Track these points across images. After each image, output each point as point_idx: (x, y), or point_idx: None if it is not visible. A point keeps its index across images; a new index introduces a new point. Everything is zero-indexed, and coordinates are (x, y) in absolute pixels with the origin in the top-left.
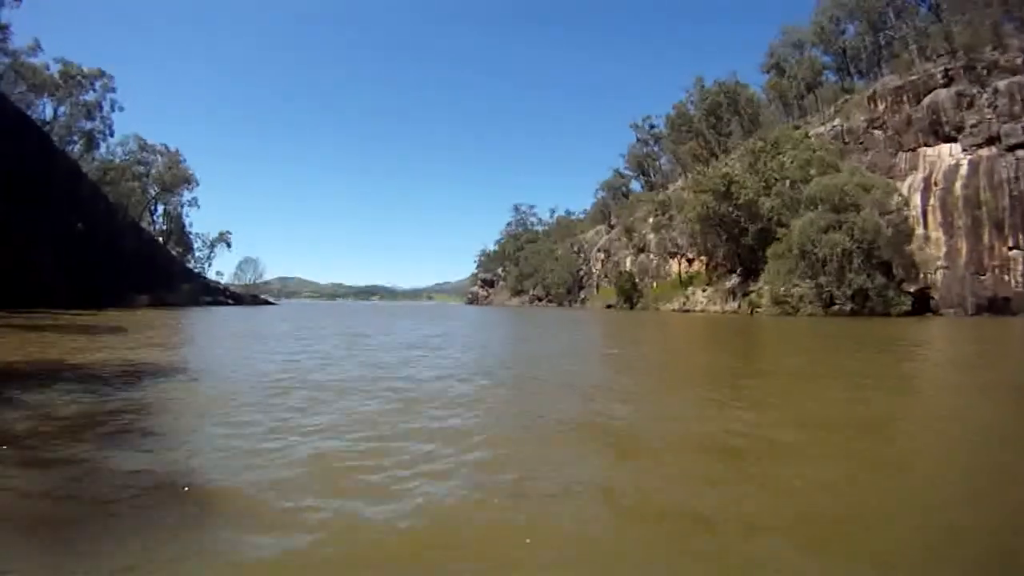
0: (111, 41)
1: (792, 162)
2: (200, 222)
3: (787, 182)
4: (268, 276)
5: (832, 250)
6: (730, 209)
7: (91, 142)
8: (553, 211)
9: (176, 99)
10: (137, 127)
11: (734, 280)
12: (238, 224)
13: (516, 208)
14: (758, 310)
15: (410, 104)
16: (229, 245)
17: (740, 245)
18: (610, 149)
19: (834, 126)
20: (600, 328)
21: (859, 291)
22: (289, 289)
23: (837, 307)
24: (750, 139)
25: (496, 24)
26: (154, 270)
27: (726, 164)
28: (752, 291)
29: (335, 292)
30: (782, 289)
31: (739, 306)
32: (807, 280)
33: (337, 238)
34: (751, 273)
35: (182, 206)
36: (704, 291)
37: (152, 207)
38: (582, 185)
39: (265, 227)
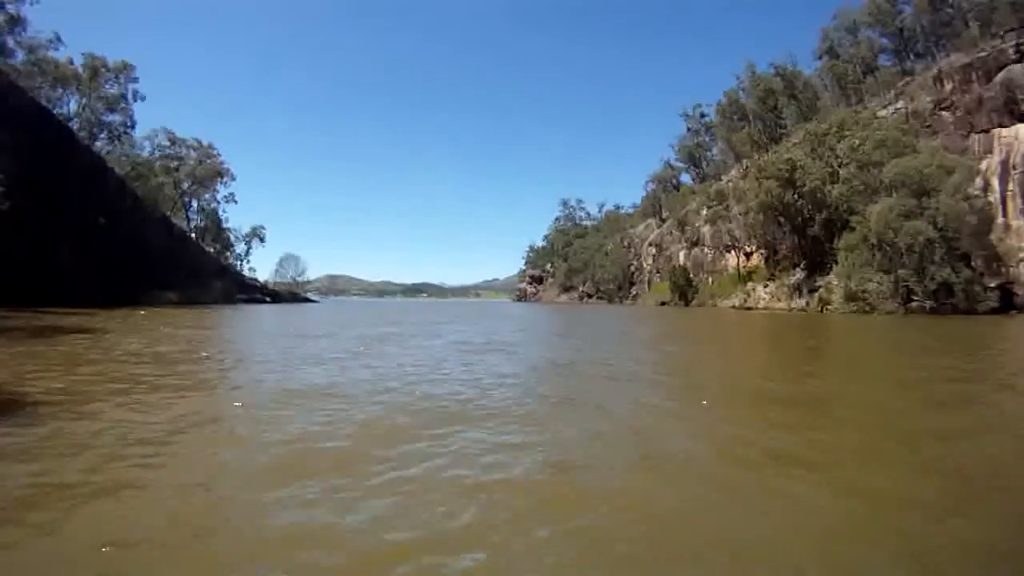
0: (153, 39)
1: (862, 144)
2: (247, 220)
3: (854, 166)
4: (317, 274)
5: (914, 239)
6: (794, 197)
7: (111, 134)
8: (602, 205)
9: (224, 97)
10: (181, 127)
11: (799, 275)
12: (287, 222)
13: (564, 203)
14: (829, 307)
15: (458, 100)
16: (263, 240)
17: (805, 236)
18: (658, 142)
19: (897, 109)
20: (679, 331)
21: (942, 286)
22: (338, 287)
23: (915, 303)
24: (810, 123)
25: (543, 19)
26: (184, 267)
27: (788, 149)
28: (820, 286)
29: (384, 290)
30: (853, 284)
31: (807, 303)
32: (884, 274)
33: (387, 236)
34: (817, 267)
35: (218, 201)
36: (766, 287)
37: (187, 202)
38: (631, 179)
39: (315, 225)
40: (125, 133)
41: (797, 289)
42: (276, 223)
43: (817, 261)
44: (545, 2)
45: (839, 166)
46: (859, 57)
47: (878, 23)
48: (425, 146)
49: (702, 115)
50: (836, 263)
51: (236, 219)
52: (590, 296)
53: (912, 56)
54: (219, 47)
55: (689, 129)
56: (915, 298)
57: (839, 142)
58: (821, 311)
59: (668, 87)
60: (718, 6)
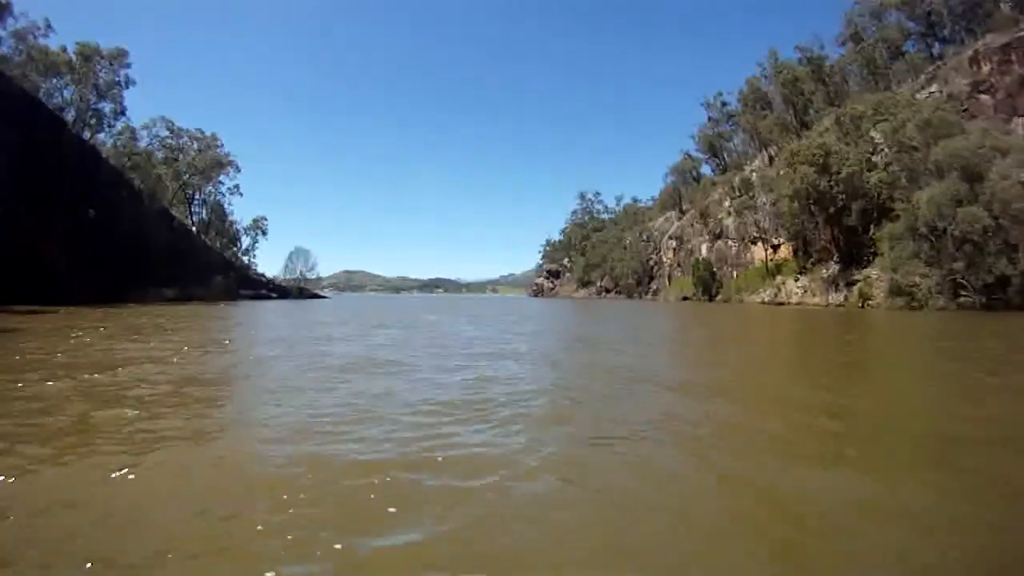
0: (161, 34)
1: (900, 127)
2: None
3: (895, 150)
4: (335, 269)
5: (971, 227)
6: (829, 184)
7: (100, 123)
8: (619, 199)
9: (242, 95)
10: (194, 123)
11: (833, 268)
12: (306, 218)
13: (582, 196)
14: (870, 303)
15: (475, 95)
16: (264, 232)
17: (840, 226)
18: (676, 136)
19: (931, 93)
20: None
21: (1000, 279)
22: (355, 282)
23: (963, 298)
24: (840, 108)
25: (561, 13)
26: (185, 262)
27: (820, 134)
28: (858, 280)
29: (400, 286)
30: (899, 277)
31: (845, 298)
32: (929, 266)
33: (404, 232)
34: (853, 259)
35: (222, 194)
36: (797, 280)
37: (190, 195)
38: (648, 174)
39: (333, 221)
40: (118, 118)
41: (833, 283)
42: (295, 219)
43: (853, 253)
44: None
45: (873, 151)
46: (886, 41)
47: (905, 5)
48: (441, 141)
49: (723, 104)
50: (875, 255)
51: (247, 213)
52: (608, 291)
53: (939, 42)
54: (231, 42)
55: (710, 118)
56: (963, 293)
57: (875, 126)
58: (862, 306)
59: (686, 81)
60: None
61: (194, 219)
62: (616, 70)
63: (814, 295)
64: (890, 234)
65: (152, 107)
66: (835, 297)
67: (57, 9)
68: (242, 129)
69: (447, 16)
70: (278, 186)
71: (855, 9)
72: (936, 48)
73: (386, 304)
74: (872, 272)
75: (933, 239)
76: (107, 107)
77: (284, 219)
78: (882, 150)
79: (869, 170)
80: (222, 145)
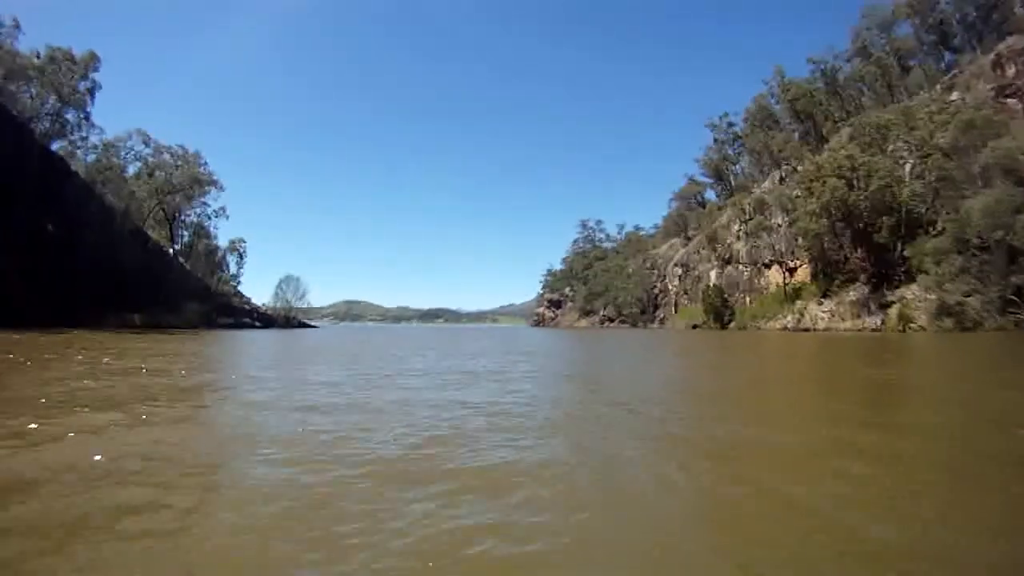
0: (159, 52)
1: (933, 132)
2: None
3: (934, 158)
4: (335, 299)
5: None
6: (861, 198)
7: (64, 128)
8: (622, 227)
9: (241, 118)
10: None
11: (863, 289)
12: (305, 247)
13: (583, 224)
14: (911, 326)
15: (472, 122)
16: (243, 255)
17: (869, 244)
18: (676, 165)
19: (951, 101)
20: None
21: None
22: (355, 312)
23: (1014, 316)
24: (860, 119)
25: (561, 35)
26: (158, 286)
27: (842, 147)
28: (892, 301)
29: (400, 315)
30: (948, 297)
31: (880, 321)
32: (985, 282)
33: (404, 262)
34: (884, 279)
35: (208, 217)
36: (821, 304)
37: (172, 216)
38: (649, 204)
39: (333, 249)
40: (84, 127)
41: (864, 306)
42: (296, 248)
43: (885, 272)
44: (566, 13)
45: (895, 164)
46: (897, 52)
47: (917, 15)
48: (442, 169)
49: (730, 124)
50: (907, 273)
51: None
52: (611, 320)
53: (949, 51)
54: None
55: (716, 140)
56: (1012, 310)
57: (905, 134)
58: (903, 330)
59: (687, 106)
60: (747, 22)
61: (180, 242)
62: (619, 97)
63: (843, 319)
64: (935, 249)
65: (129, 122)
66: (870, 321)
67: (32, 12)
68: (241, 155)
69: (442, 33)
70: (278, 214)
71: (862, 23)
72: (947, 58)
73: (374, 338)
74: (908, 292)
75: (978, 251)
76: (72, 113)
77: (285, 248)
78: (907, 162)
79: (899, 183)
80: (205, 163)
